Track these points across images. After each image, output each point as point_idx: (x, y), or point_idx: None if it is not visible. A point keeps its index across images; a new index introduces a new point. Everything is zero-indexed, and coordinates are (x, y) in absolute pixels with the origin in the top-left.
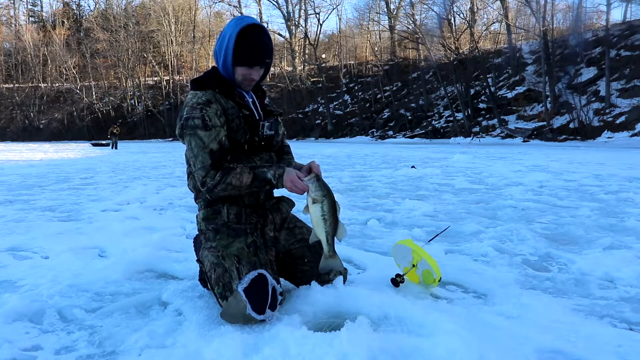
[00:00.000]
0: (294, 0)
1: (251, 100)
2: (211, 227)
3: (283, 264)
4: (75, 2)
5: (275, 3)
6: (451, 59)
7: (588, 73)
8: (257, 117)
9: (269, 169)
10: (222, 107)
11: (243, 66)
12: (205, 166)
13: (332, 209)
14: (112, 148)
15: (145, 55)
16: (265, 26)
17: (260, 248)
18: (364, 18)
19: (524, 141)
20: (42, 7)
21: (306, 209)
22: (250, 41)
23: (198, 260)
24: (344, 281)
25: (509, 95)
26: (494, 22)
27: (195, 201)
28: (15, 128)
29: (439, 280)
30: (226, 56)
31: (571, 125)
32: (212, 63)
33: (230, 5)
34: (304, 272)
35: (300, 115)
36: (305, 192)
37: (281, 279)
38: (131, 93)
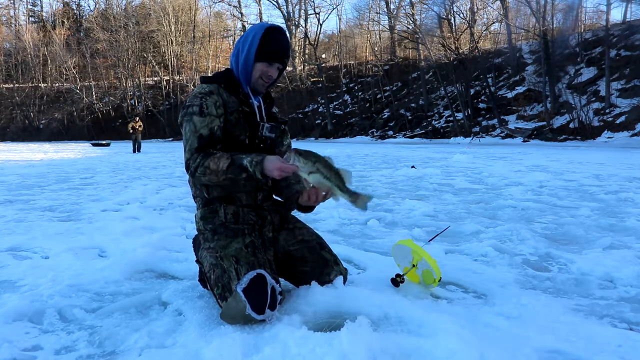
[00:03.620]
0: (294, 0)
1: (257, 104)
2: (209, 227)
3: (283, 265)
4: (75, 2)
5: (275, 3)
6: (451, 59)
7: (588, 73)
8: (259, 119)
9: (247, 156)
10: (223, 100)
11: (264, 62)
12: (191, 149)
13: (328, 166)
14: (133, 152)
15: (145, 55)
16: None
17: (258, 248)
18: (364, 18)
19: (524, 141)
20: (42, 7)
21: (306, 183)
22: (274, 39)
23: (197, 261)
24: (344, 281)
25: (509, 95)
26: (494, 22)
27: (194, 199)
28: (15, 128)
29: (439, 280)
30: (249, 52)
31: (571, 125)
32: (212, 63)
33: (230, 5)
34: (305, 272)
35: (300, 115)
36: (297, 172)
37: (281, 279)
38: (131, 93)
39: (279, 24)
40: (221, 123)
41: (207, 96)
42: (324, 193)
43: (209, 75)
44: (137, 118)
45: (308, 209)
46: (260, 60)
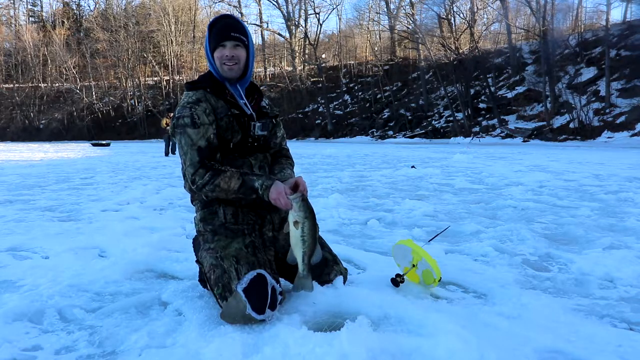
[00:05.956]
0: (294, 0)
1: (243, 102)
2: (209, 228)
3: (283, 264)
4: (75, 2)
5: (275, 3)
6: (451, 59)
7: (588, 73)
8: (249, 117)
9: (258, 178)
10: (212, 105)
11: (217, 48)
12: (193, 163)
13: (312, 230)
14: (166, 154)
15: (145, 55)
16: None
17: (258, 248)
18: (363, 18)
19: (524, 141)
20: (42, 7)
21: (287, 227)
22: (217, 25)
23: (197, 261)
24: (344, 281)
25: (509, 95)
26: (494, 22)
27: (192, 203)
28: (15, 128)
29: (439, 280)
30: (206, 50)
31: (571, 125)
32: None
33: (230, 5)
34: None
35: (300, 115)
36: (289, 210)
37: (281, 279)
38: (131, 93)
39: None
40: (214, 130)
41: (196, 105)
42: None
43: (195, 79)
44: (172, 114)
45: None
46: (214, 50)
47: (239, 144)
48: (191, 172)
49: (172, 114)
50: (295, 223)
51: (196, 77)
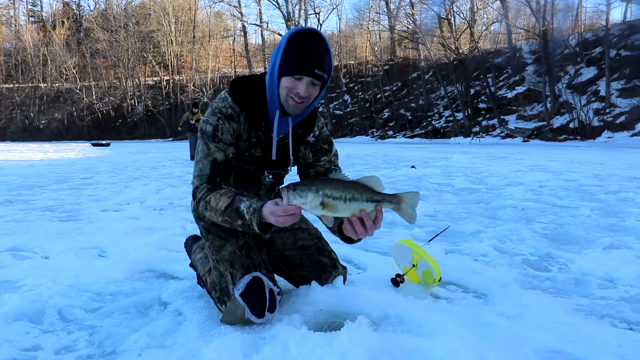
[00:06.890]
0: (294, 0)
1: (276, 139)
2: (201, 224)
3: (280, 268)
4: (75, 2)
5: (275, 3)
6: (451, 59)
7: (588, 73)
8: (267, 160)
9: (248, 199)
10: (239, 134)
11: (287, 76)
12: (202, 175)
13: (340, 185)
14: (192, 158)
15: (145, 55)
16: (321, 34)
17: (252, 249)
18: (363, 18)
19: (524, 141)
20: (42, 7)
21: (325, 220)
22: (299, 47)
23: (191, 265)
24: (344, 281)
25: (509, 95)
26: (494, 22)
27: None
28: (15, 128)
29: (439, 280)
30: (274, 66)
31: (571, 125)
32: (212, 63)
33: (230, 5)
34: (302, 276)
35: None
36: (302, 210)
37: (280, 279)
38: (131, 93)
39: (314, 28)
40: (234, 150)
41: (226, 121)
42: (367, 218)
43: (246, 80)
44: (197, 110)
45: (355, 239)
46: (284, 75)
47: (252, 174)
48: (196, 184)
49: (195, 110)
50: (325, 206)
51: (196, 77)
